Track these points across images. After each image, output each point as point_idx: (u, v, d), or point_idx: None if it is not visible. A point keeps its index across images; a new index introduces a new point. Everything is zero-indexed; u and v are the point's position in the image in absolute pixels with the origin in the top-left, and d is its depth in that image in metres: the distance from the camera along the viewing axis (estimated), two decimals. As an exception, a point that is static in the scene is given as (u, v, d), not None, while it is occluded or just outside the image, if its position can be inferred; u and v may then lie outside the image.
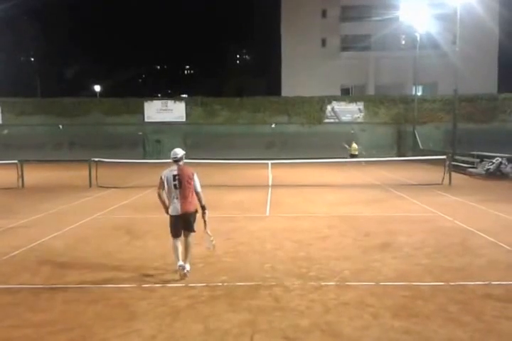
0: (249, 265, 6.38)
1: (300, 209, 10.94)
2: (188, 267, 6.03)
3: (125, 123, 30.93)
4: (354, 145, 24.63)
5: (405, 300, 5.00)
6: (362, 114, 31.14)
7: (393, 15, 35.30)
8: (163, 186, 6.00)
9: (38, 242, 7.81)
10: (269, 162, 17.29)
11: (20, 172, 15.79)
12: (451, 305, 4.86)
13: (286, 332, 4.25)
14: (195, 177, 6.05)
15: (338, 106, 31.23)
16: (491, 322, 4.43)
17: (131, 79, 63.83)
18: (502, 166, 17.63)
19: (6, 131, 31.18)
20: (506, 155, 18.19)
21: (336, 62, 39.52)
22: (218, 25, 69.60)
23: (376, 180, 17.11)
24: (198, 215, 6.09)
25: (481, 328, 4.31)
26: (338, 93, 37.88)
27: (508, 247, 7.19)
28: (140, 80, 73.76)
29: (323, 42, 41.20)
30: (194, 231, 6.08)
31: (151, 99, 32.49)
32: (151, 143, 30.71)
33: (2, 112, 31.61)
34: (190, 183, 5.97)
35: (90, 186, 15.45)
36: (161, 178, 6.02)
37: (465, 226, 8.79)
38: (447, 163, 16.09)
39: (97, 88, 45.38)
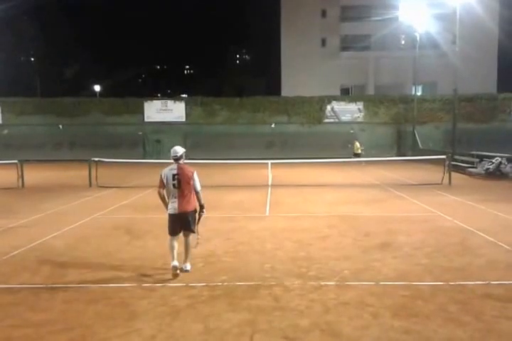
0: (249, 265, 6.38)
1: (300, 209, 10.95)
2: (188, 267, 6.05)
3: (125, 123, 30.92)
4: (357, 144, 24.62)
5: (405, 300, 5.00)
6: (362, 113, 31.14)
7: (393, 15, 35.36)
8: (163, 185, 6.01)
9: (38, 242, 7.82)
10: (269, 162, 17.28)
11: (20, 172, 15.79)
12: (451, 304, 4.86)
13: (286, 332, 4.25)
14: (195, 177, 6.03)
15: (338, 106, 31.23)
16: (490, 322, 4.44)
17: (131, 79, 63.87)
18: (502, 166, 17.64)
19: (6, 131, 31.18)
20: (506, 155, 18.18)
21: (335, 62, 39.55)
22: (218, 25, 69.60)
23: (376, 180, 17.12)
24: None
25: (481, 328, 4.31)
26: (338, 93, 37.90)
27: (507, 247, 7.20)
28: (140, 80, 73.76)
29: (323, 42, 41.23)
30: (193, 231, 6.08)
31: (151, 99, 32.47)
32: (151, 143, 30.70)
33: (2, 112, 31.60)
34: (189, 183, 5.95)
35: (90, 186, 15.45)
36: (161, 177, 6.02)
37: (465, 226, 8.79)
38: (447, 162, 16.09)
39: (97, 88, 45.44)
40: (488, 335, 4.18)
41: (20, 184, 15.62)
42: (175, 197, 5.94)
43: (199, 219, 6.11)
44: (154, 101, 31.94)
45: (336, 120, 31.19)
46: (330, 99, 31.52)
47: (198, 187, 6.05)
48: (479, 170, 18.69)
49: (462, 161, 20.38)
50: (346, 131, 29.67)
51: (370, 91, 39.40)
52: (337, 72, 39.10)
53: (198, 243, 6.17)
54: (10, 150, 28.20)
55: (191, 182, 5.97)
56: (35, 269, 6.29)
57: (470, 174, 18.87)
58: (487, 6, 33.00)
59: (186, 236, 6.07)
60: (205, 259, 6.59)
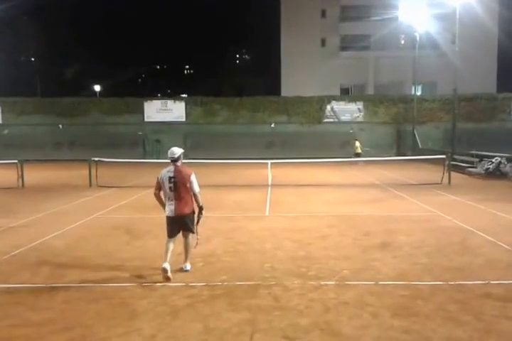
0: (249, 264, 6.39)
1: (300, 209, 10.95)
2: (188, 266, 6.06)
3: (125, 123, 30.92)
4: (357, 143, 24.59)
5: (405, 300, 5.01)
6: (361, 113, 31.13)
7: (392, 15, 35.35)
8: (160, 187, 5.95)
9: (39, 242, 7.82)
10: (269, 161, 17.28)
11: (20, 172, 15.80)
12: (451, 304, 4.87)
13: (286, 332, 4.26)
14: (193, 179, 5.91)
15: (338, 106, 31.22)
16: (490, 322, 4.44)
17: (131, 79, 63.84)
18: (501, 166, 17.63)
19: (6, 131, 31.18)
20: (505, 154, 18.18)
21: (335, 62, 39.53)
22: (218, 25, 69.59)
23: (376, 180, 17.13)
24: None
25: (480, 327, 4.32)
26: (338, 93, 37.89)
27: (507, 246, 7.21)
28: (140, 80, 73.72)
29: (323, 42, 41.22)
30: (193, 232, 6.06)
31: (151, 99, 32.45)
32: (151, 142, 30.69)
33: (2, 112, 31.60)
34: (186, 186, 5.84)
35: (90, 186, 15.46)
36: (158, 179, 5.96)
37: (464, 225, 8.80)
38: (447, 162, 16.10)
39: (97, 88, 45.43)
40: (488, 335, 4.19)
41: (20, 184, 15.62)
42: (171, 200, 5.87)
43: (198, 220, 6.09)
44: (154, 101, 31.93)
45: (336, 120, 31.18)
46: (329, 98, 31.51)
47: (196, 190, 5.94)
48: (479, 169, 18.70)
49: (462, 161, 20.39)
50: (346, 130, 29.66)
51: (370, 91, 39.39)
52: (337, 71, 39.09)
53: (197, 243, 6.17)
54: (10, 150, 28.14)
55: (188, 185, 5.86)
56: (35, 269, 6.29)
57: (470, 174, 18.88)
58: (487, 6, 32.98)
59: (186, 236, 6.06)
60: (205, 259, 6.60)
